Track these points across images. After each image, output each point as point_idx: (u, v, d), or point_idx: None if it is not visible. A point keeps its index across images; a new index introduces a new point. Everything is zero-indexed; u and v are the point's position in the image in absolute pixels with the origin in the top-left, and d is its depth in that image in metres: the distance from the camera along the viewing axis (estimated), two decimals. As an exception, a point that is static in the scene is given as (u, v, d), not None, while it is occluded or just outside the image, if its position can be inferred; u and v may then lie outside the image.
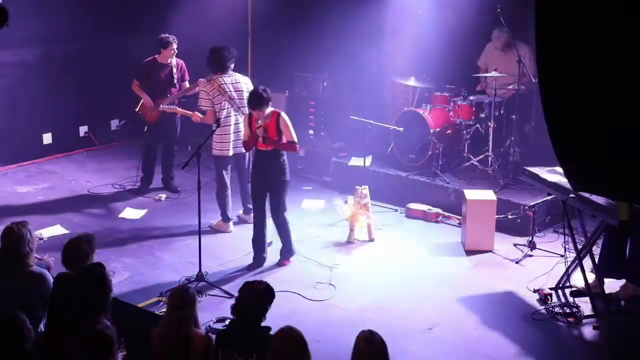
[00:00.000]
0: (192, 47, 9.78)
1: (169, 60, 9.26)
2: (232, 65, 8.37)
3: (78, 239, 5.53)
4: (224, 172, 8.38)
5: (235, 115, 8.25)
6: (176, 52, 9.25)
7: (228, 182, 8.41)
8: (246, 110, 7.81)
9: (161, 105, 9.07)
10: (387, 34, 10.37)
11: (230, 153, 8.30)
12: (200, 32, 10.61)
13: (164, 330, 4.79)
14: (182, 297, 4.82)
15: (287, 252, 7.68)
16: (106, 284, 4.96)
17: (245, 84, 8.35)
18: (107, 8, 10.87)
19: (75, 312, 4.85)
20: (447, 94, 9.65)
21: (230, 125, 8.22)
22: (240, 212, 8.73)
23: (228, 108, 8.20)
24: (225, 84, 8.22)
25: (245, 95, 8.01)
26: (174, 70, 9.29)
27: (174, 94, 9.25)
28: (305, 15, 10.51)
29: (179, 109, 8.97)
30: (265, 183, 7.51)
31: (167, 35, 9.26)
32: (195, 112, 8.52)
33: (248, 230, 7.95)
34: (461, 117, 9.42)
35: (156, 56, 9.27)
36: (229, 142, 8.24)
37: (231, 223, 8.51)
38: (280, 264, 7.64)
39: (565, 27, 2.92)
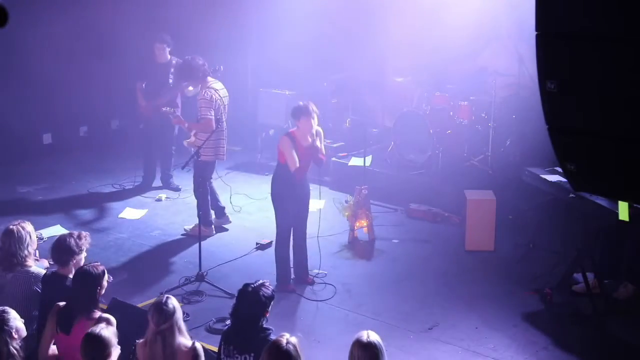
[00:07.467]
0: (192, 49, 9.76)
1: (166, 60, 9.25)
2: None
3: (68, 236, 5.41)
4: (210, 177, 8.27)
5: (225, 121, 8.05)
6: (166, 50, 9.18)
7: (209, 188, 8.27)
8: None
9: (163, 108, 9.04)
10: (387, 34, 10.37)
11: (225, 158, 8.31)
12: (201, 33, 10.59)
13: (151, 347, 4.52)
14: (160, 312, 4.51)
15: (305, 272, 7.37)
16: (99, 283, 4.91)
17: (224, 89, 8.23)
18: (109, 8, 10.86)
19: (67, 310, 4.85)
20: (447, 94, 9.64)
21: (223, 130, 8.03)
22: (213, 216, 8.46)
23: (222, 114, 7.98)
24: (217, 90, 8.04)
25: (227, 100, 8.06)
26: (172, 70, 9.23)
27: (167, 93, 9.20)
28: (305, 15, 10.50)
29: (175, 119, 8.49)
30: (301, 209, 7.19)
31: (162, 34, 9.25)
32: (190, 124, 8.22)
33: (247, 231, 7.95)
34: (461, 117, 9.41)
35: (154, 55, 9.28)
36: (224, 147, 8.16)
37: (213, 226, 8.39)
38: (305, 281, 7.28)
39: (566, 26, 2.92)
